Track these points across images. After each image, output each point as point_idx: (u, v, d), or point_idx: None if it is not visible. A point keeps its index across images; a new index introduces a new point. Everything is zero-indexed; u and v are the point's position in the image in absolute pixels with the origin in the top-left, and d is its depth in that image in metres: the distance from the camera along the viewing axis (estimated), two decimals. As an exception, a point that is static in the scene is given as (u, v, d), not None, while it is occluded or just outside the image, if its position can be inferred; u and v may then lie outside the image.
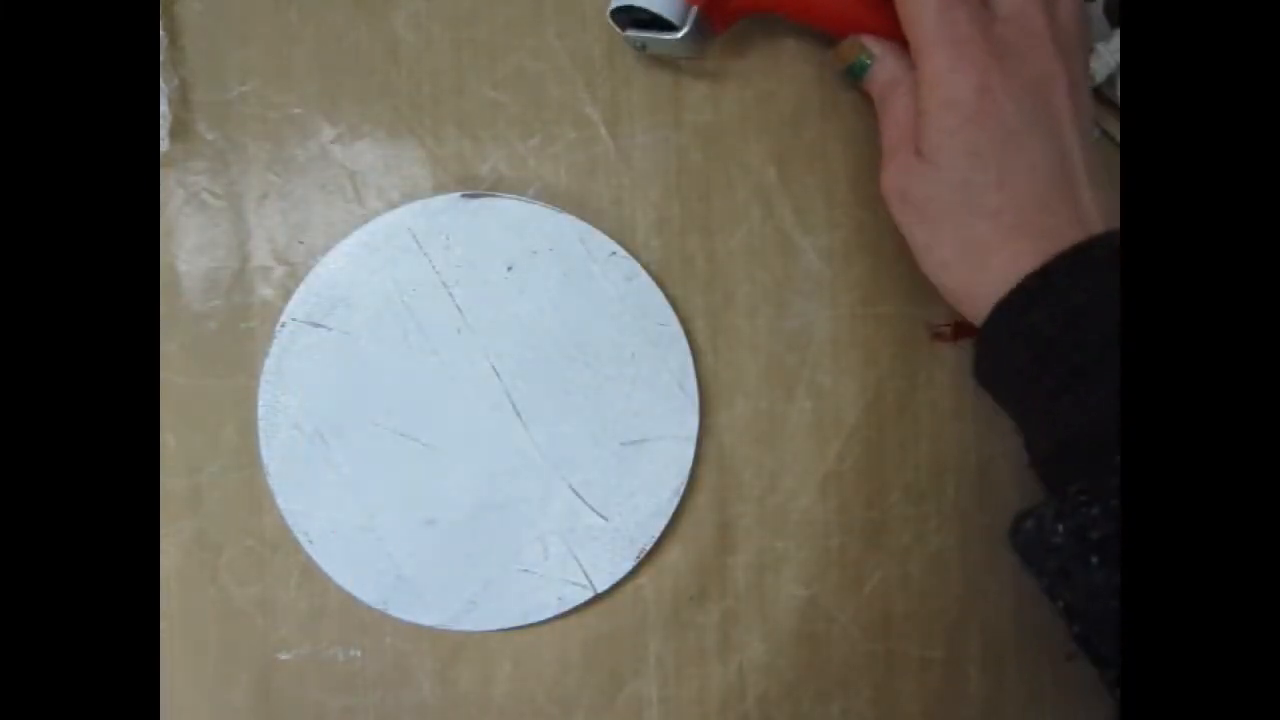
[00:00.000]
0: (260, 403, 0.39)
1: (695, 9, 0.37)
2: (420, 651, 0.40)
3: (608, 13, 0.38)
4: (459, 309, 0.39)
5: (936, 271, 0.34)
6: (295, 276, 0.39)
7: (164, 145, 0.38)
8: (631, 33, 0.38)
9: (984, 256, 0.32)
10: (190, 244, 0.40)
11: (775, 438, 0.40)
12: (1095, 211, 0.32)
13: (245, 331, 0.40)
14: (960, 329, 0.41)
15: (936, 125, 0.32)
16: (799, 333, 0.40)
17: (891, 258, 0.40)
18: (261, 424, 0.39)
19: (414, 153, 0.40)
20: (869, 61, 0.36)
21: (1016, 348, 0.32)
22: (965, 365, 0.40)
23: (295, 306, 0.39)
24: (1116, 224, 0.32)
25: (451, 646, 0.40)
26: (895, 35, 0.35)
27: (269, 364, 0.39)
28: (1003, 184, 0.32)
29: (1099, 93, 0.40)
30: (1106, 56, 0.39)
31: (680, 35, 0.37)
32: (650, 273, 0.39)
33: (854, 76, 0.37)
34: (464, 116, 0.40)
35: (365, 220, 0.39)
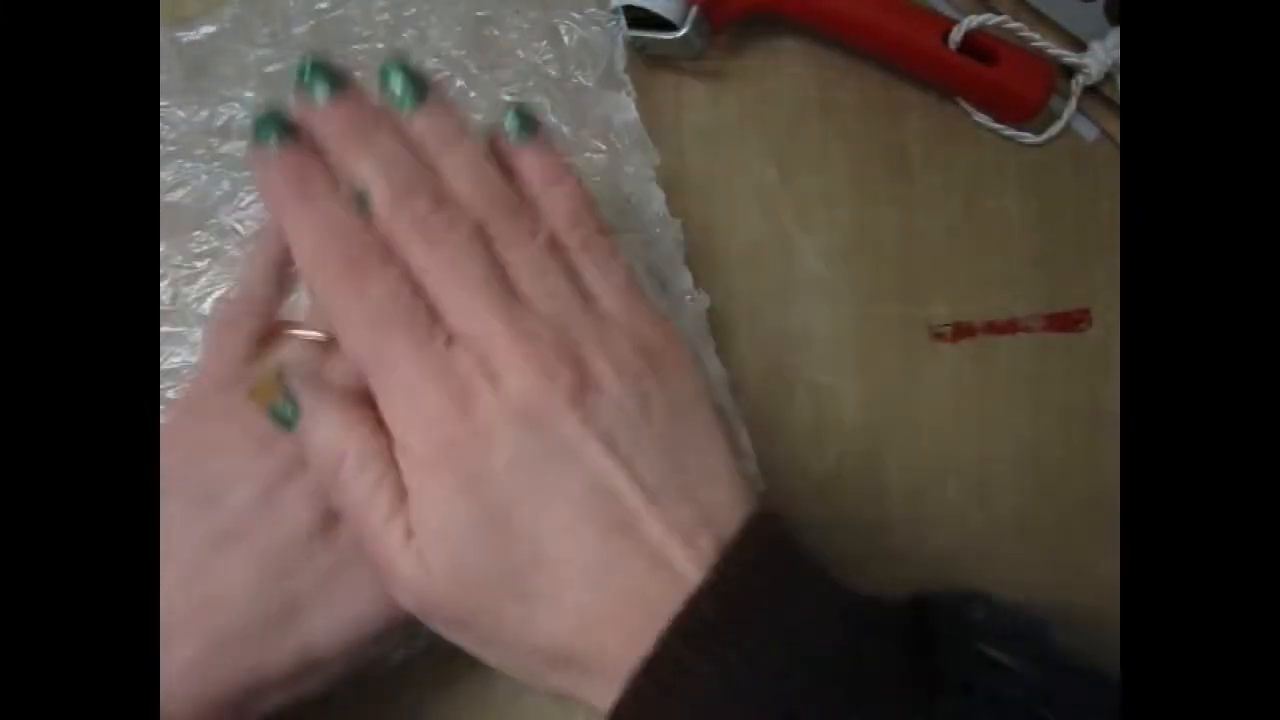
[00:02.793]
0: (260, 403, 0.39)
1: (695, 8, 0.37)
2: (420, 652, 0.40)
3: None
4: (459, 309, 0.39)
5: None
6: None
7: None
8: (632, 33, 0.38)
9: None
10: (190, 244, 0.40)
11: (775, 438, 0.40)
12: None
13: (245, 331, 0.39)
14: (960, 329, 0.41)
15: None
16: (799, 333, 0.40)
17: (891, 258, 0.40)
18: (261, 424, 0.39)
19: (414, 153, 0.40)
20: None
21: None
22: (965, 365, 0.40)
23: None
24: None
25: (451, 646, 0.40)
26: (895, 37, 0.34)
27: (269, 364, 0.39)
28: None
29: (1099, 91, 0.40)
30: (1104, 55, 0.39)
31: (680, 35, 0.37)
32: (650, 272, 0.39)
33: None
34: (464, 116, 0.40)
35: (365, 220, 0.39)
